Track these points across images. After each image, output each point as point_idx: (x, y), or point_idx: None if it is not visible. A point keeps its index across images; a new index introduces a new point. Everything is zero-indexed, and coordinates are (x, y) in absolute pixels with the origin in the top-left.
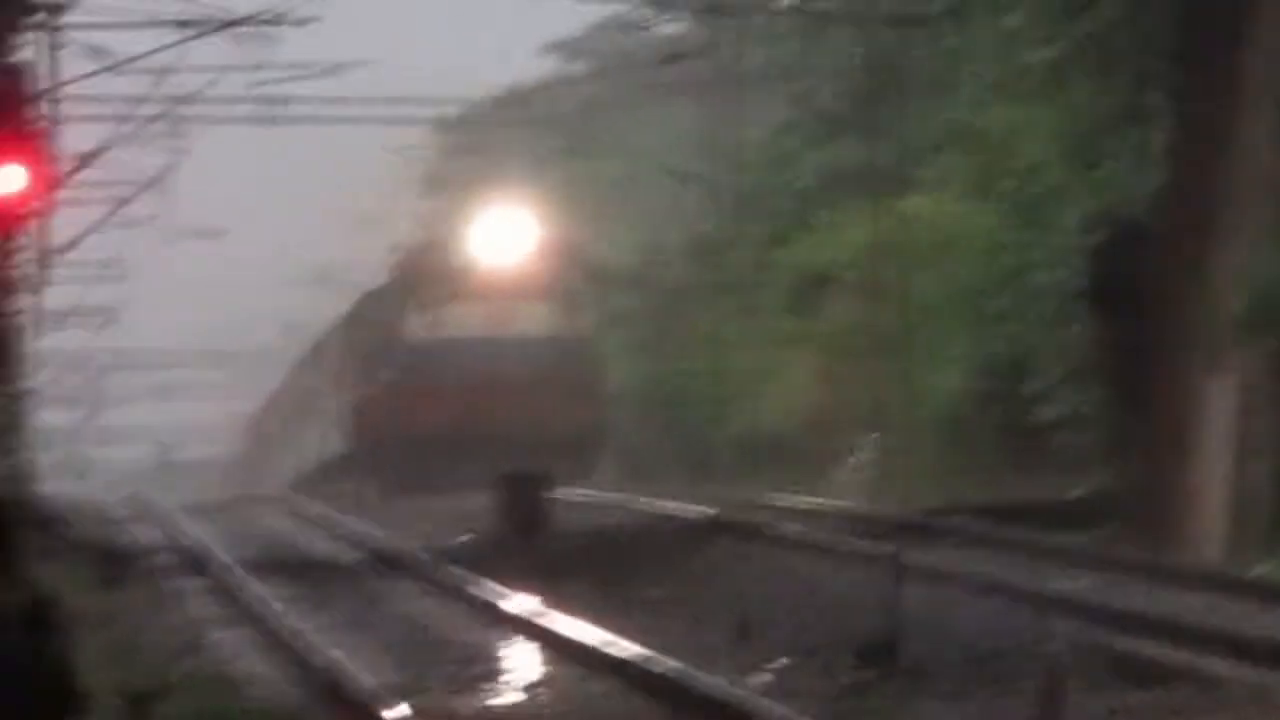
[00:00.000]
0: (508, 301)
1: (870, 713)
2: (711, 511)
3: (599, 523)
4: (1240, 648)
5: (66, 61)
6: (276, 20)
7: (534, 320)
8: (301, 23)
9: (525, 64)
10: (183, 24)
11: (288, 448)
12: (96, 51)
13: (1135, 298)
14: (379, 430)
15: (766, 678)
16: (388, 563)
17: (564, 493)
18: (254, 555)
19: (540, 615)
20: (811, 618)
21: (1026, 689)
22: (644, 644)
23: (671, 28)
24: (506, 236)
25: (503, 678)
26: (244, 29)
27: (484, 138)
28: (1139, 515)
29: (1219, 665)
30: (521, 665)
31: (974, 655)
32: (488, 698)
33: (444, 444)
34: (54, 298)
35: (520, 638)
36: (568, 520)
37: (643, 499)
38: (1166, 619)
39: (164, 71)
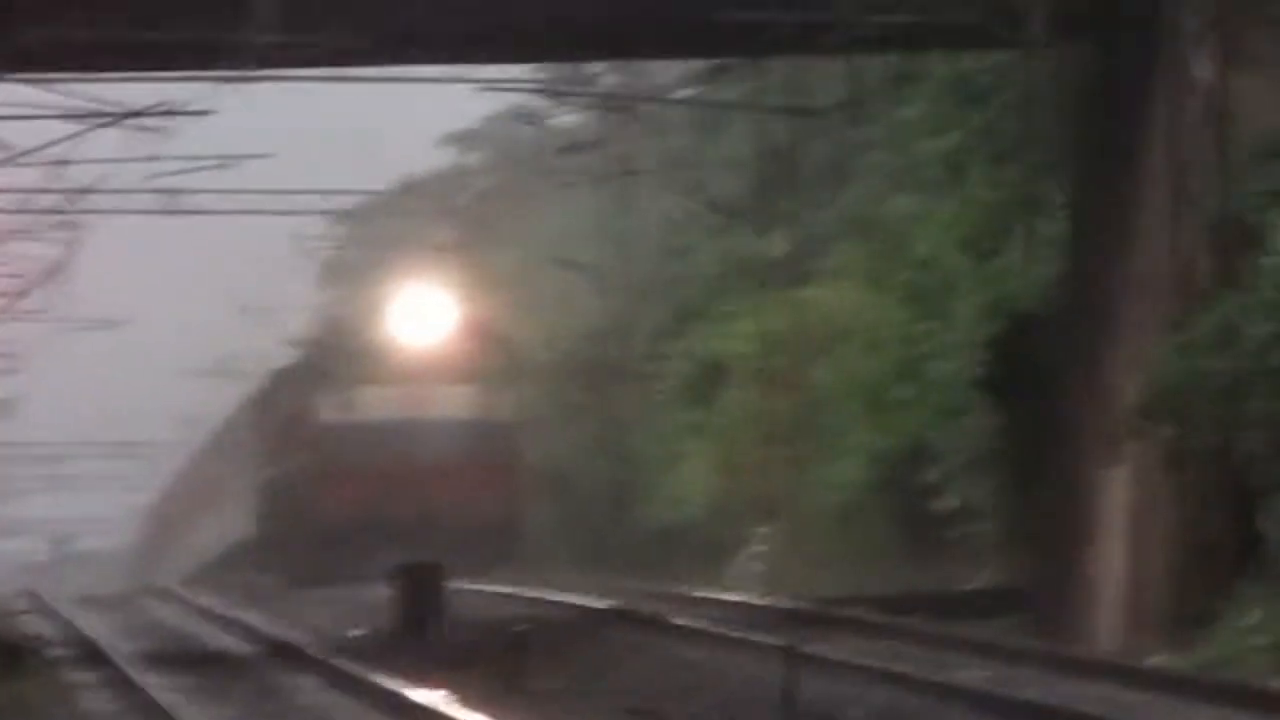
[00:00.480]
0: (426, 383)
1: None
2: (608, 603)
3: (496, 613)
4: None
5: None
6: (172, 112)
7: (453, 403)
8: (197, 114)
9: (423, 155)
10: (77, 116)
11: (186, 538)
12: None
13: (1032, 387)
14: (286, 516)
15: None
16: (285, 655)
17: (459, 583)
18: (150, 648)
19: (440, 707)
20: (706, 708)
21: None
22: None
23: (567, 120)
24: (425, 315)
25: None
26: (139, 121)
27: (381, 228)
28: (1037, 605)
29: None
30: None
31: None
32: None
33: (354, 532)
34: None
35: None
36: (465, 611)
37: (541, 589)
38: (1064, 709)
39: (59, 163)
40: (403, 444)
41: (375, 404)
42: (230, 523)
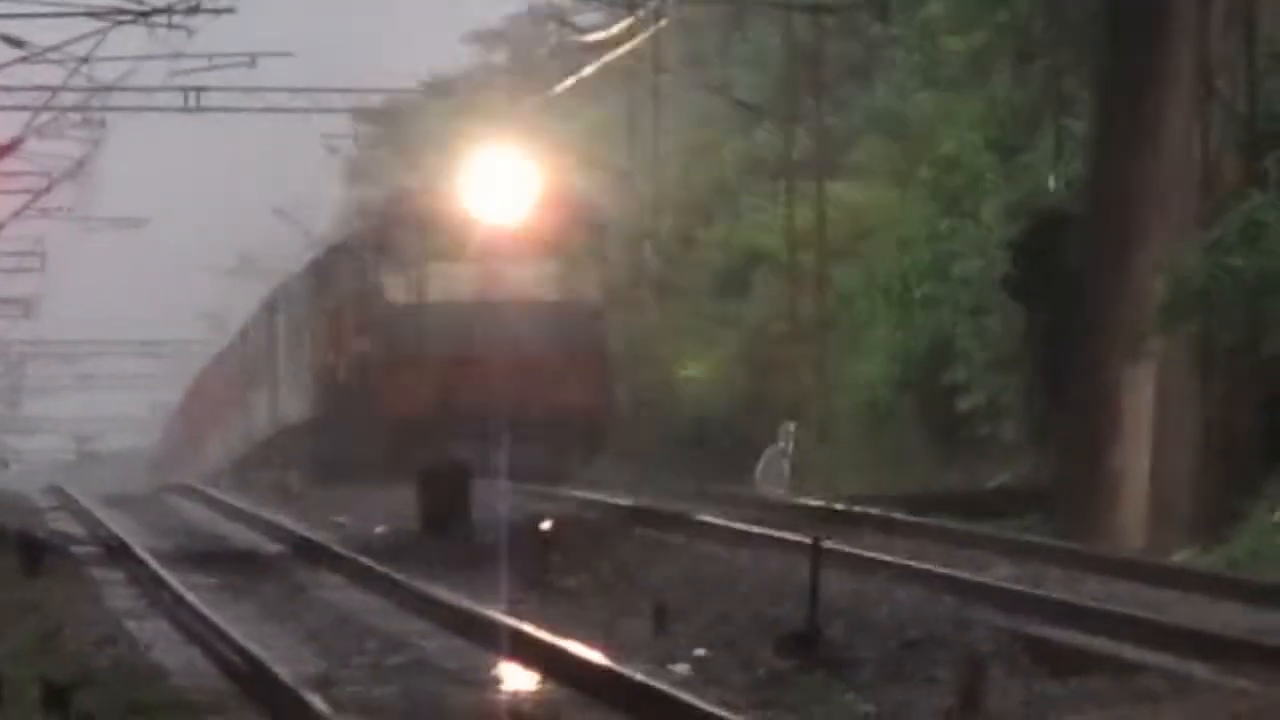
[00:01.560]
0: (506, 260)
1: (788, 706)
2: (634, 500)
3: (523, 511)
4: (1159, 635)
5: None
6: (195, 10)
7: (535, 282)
8: (220, 12)
9: (447, 53)
10: (97, 14)
11: (213, 436)
12: (12, 42)
13: (1057, 287)
14: (348, 406)
15: (683, 668)
16: (309, 553)
17: (485, 482)
18: (173, 547)
19: (459, 605)
20: (731, 606)
21: (946, 678)
22: (562, 634)
23: (592, 18)
24: (504, 185)
25: (423, 665)
26: (160, 19)
27: (407, 127)
28: (1060, 503)
29: (1138, 653)
30: (441, 654)
31: (894, 645)
32: (408, 684)
33: (427, 424)
34: None
35: (442, 628)
36: (490, 511)
37: (566, 488)
38: (1086, 607)
39: (81, 61)
40: (481, 328)
41: (449, 283)
42: (275, 407)
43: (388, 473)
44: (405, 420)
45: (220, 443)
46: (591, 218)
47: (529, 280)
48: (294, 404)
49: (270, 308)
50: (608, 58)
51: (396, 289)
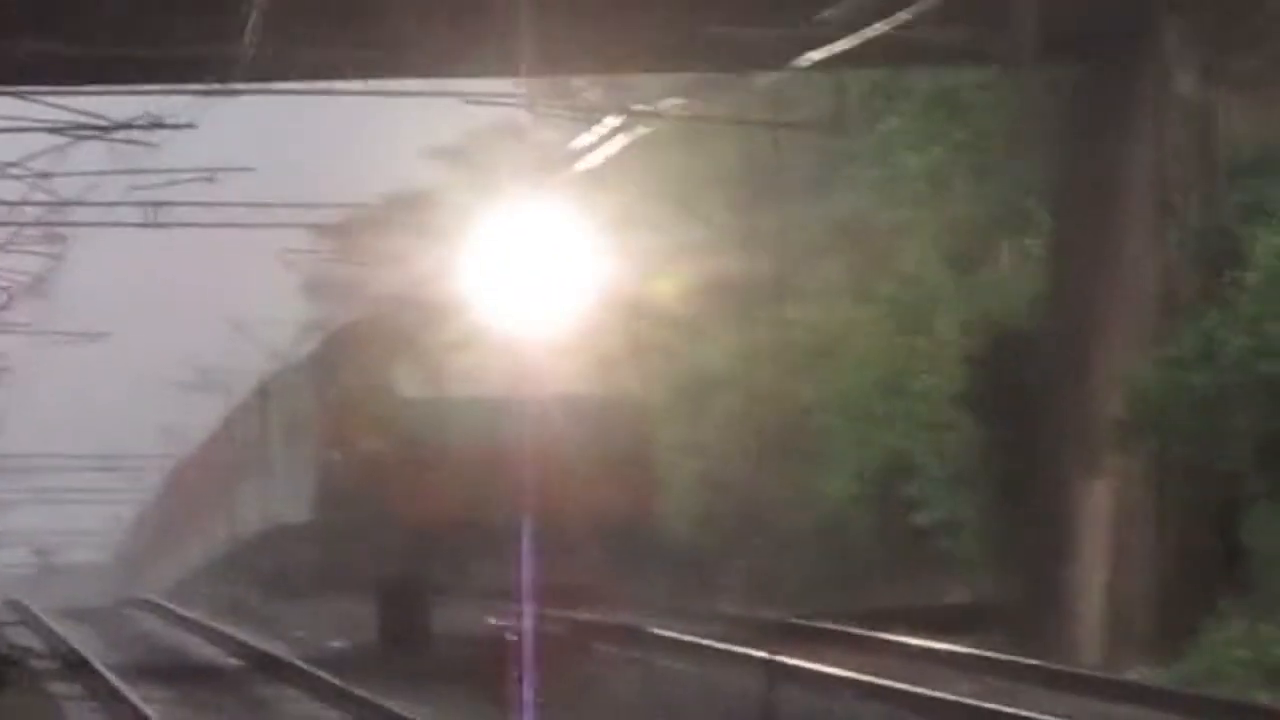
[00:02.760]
0: (537, 351)
1: None
2: (593, 615)
3: (478, 629)
4: None
5: None
6: (156, 125)
7: (573, 374)
8: (180, 127)
9: (407, 169)
10: (61, 129)
11: (188, 536)
12: None
13: (1014, 402)
14: (356, 511)
15: None
16: (268, 667)
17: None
18: (135, 659)
19: None
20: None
21: None
22: None
23: (551, 135)
24: (531, 268)
25: None
26: (121, 134)
27: (367, 243)
28: (1018, 619)
29: None
30: None
31: None
32: None
33: (452, 537)
34: None
35: None
36: (446, 625)
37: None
38: None
39: (42, 175)
40: (510, 426)
41: (473, 376)
42: (252, 516)
43: (401, 585)
44: (424, 530)
45: (197, 543)
46: (634, 307)
47: (563, 372)
48: (290, 504)
49: (262, 397)
50: (581, 165)
51: (412, 382)
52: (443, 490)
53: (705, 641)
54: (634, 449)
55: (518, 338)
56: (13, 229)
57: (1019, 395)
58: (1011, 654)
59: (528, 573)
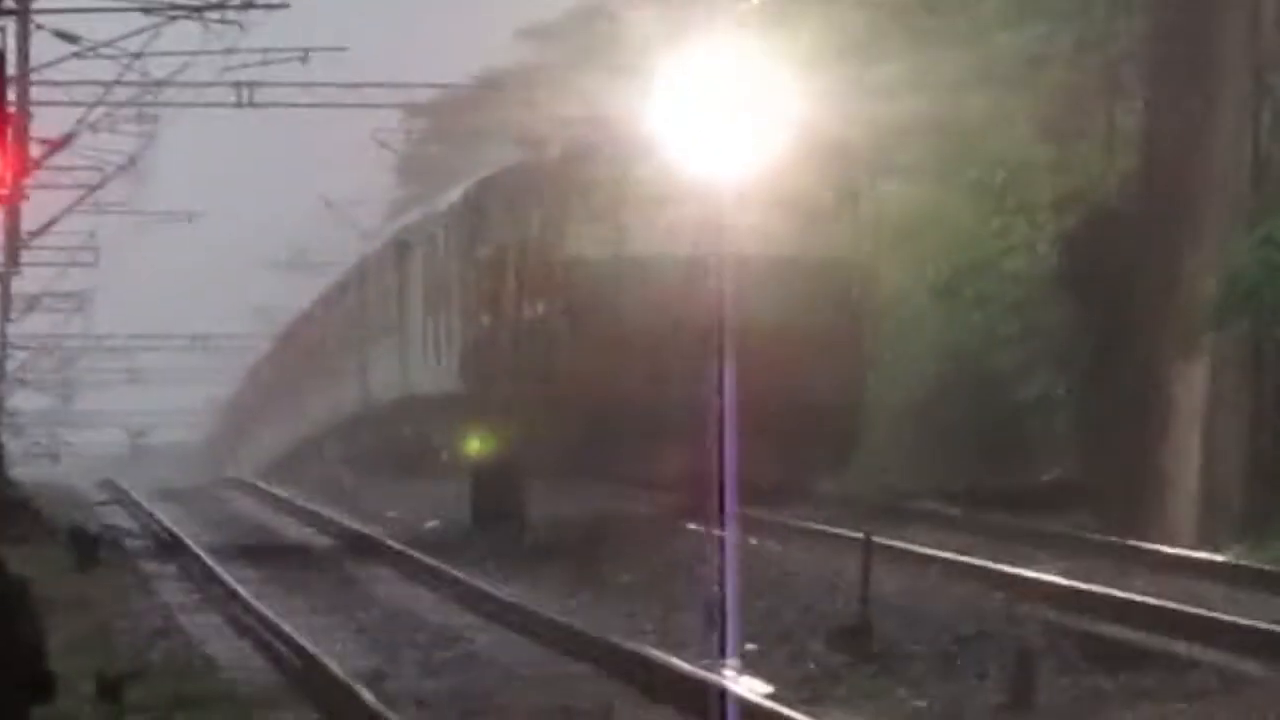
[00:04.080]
0: (736, 206)
1: (840, 700)
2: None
3: (573, 510)
4: (1210, 632)
5: (37, 46)
6: (246, 5)
7: (778, 234)
8: (271, 7)
9: (499, 49)
10: (150, 9)
11: (304, 403)
12: (65, 37)
13: (1109, 282)
14: (516, 383)
15: (735, 664)
16: (362, 548)
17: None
18: (225, 539)
19: (510, 600)
20: (782, 602)
21: (997, 674)
22: (617, 630)
23: (641, 14)
24: (732, 110)
25: (474, 660)
26: (214, 14)
27: (460, 123)
28: (1110, 499)
29: (1190, 649)
30: (494, 647)
31: (945, 640)
32: (461, 680)
33: (636, 417)
34: (26, 282)
35: (493, 622)
36: (542, 506)
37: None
38: (1137, 603)
39: (135, 56)
40: (701, 292)
41: (660, 234)
42: (389, 383)
43: (577, 471)
44: (603, 408)
45: (313, 411)
46: (843, 153)
47: (767, 231)
48: (431, 374)
49: (400, 250)
50: None
51: (588, 239)
52: (621, 367)
53: (796, 522)
54: (846, 322)
55: (709, 187)
56: (106, 109)
57: (1113, 274)
58: (1105, 534)
59: (725, 466)
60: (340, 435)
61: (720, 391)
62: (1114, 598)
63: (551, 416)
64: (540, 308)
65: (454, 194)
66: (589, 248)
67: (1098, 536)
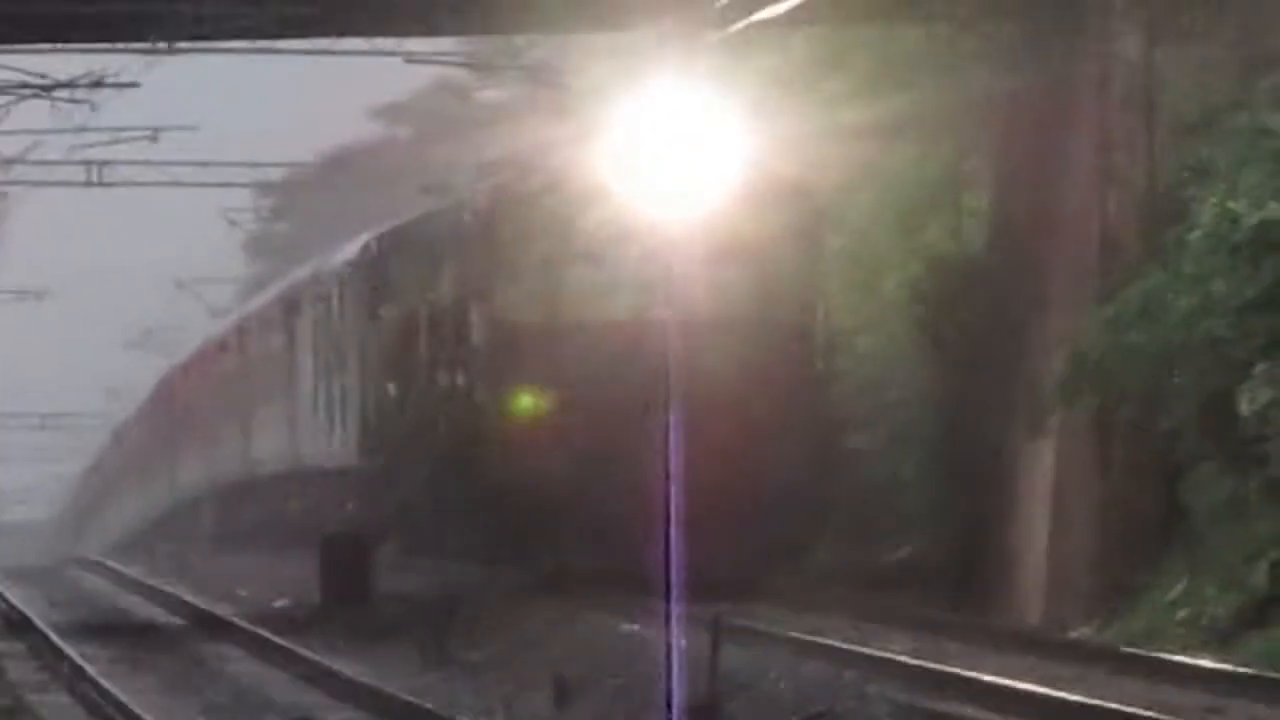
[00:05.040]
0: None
1: None
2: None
3: (422, 586)
4: (1058, 711)
5: None
6: (99, 84)
7: (731, 294)
8: (123, 86)
9: (350, 127)
10: (4, 88)
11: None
12: None
13: (958, 361)
14: (439, 472)
15: None
16: (210, 626)
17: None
18: (74, 618)
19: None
20: (630, 681)
21: None
22: (467, 709)
23: (493, 93)
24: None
25: None
26: (63, 93)
27: (309, 201)
28: (958, 577)
29: None
30: None
31: (795, 715)
32: None
33: (571, 505)
34: None
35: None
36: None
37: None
38: (985, 682)
39: None
40: (648, 359)
41: (600, 295)
42: (274, 450)
43: (497, 561)
44: (535, 493)
45: (184, 481)
46: (804, 199)
47: (723, 290)
48: (324, 444)
49: (287, 309)
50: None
51: (516, 302)
52: (554, 443)
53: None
54: (806, 390)
55: (653, 242)
56: None
57: (962, 354)
58: (952, 612)
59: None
60: (216, 507)
61: (666, 473)
62: (961, 676)
63: (473, 497)
64: (460, 376)
65: (351, 247)
66: (518, 309)
67: (945, 615)
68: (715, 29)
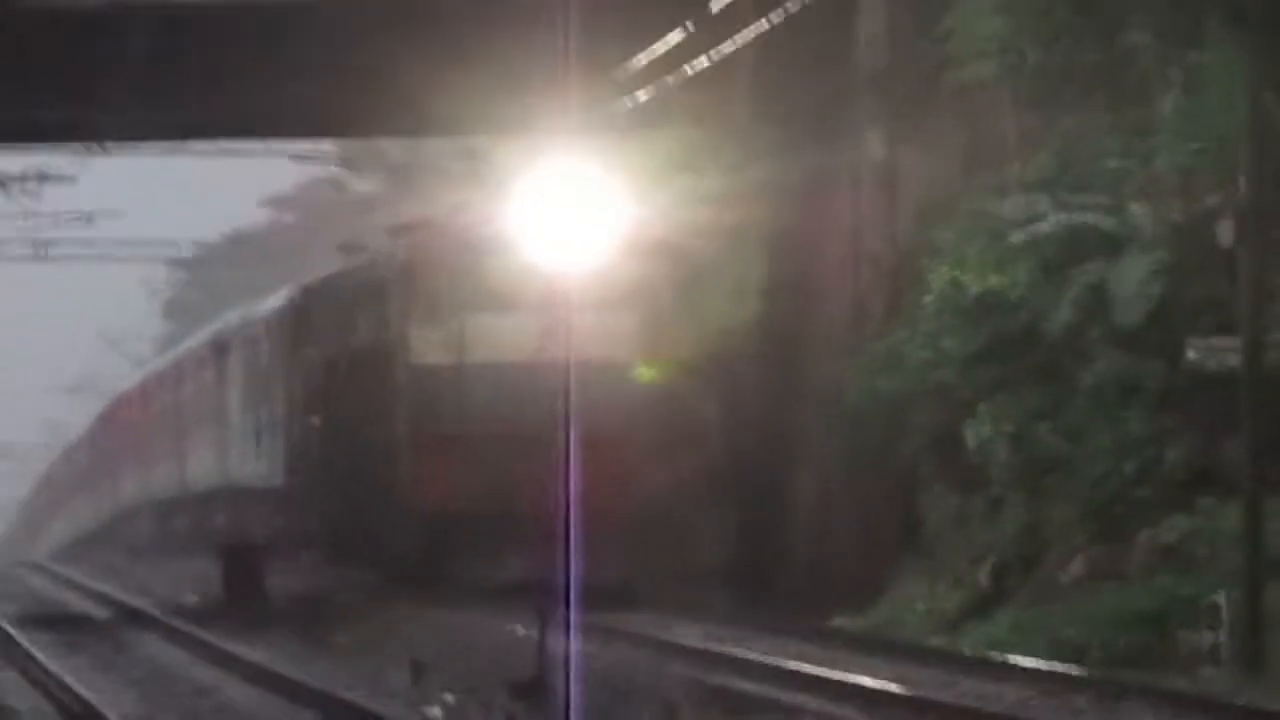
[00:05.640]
0: (575, 312)
1: None
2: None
3: (305, 586)
4: (816, 685)
5: None
6: (42, 177)
7: (612, 339)
8: (62, 179)
9: (246, 213)
10: None
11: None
12: None
13: (734, 406)
14: (352, 493)
15: (435, 711)
16: (131, 617)
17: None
18: (19, 611)
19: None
20: (473, 660)
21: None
22: (341, 684)
23: (364, 185)
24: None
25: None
26: (15, 183)
27: (213, 273)
28: (748, 579)
29: (800, 698)
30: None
31: (606, 695)
32: None
33: (463, 526)
34: None
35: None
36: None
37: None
38: (756, 662)
39: None
40: (543, 397)
41: (500, 342)
42: (202, 472)
43: (412, 580)
44: (442, 517)
45: (123, 495)
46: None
47: (602, 337)
48: (250, 465)
49: (217, 350)
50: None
51: (428, 345)
52: (461, 471)
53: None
54: (680, 425)
55: (550, 294)
56: None
57: (747, 398)
58: (741, 607)
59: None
60: (152, 519)
61: (563, 499)
62: (742, 659)
63: (387, 520)
64: (375, 412)
65: (275, 299)
66: (428, 353)
67: (735, 609)
68: (577, 134)
